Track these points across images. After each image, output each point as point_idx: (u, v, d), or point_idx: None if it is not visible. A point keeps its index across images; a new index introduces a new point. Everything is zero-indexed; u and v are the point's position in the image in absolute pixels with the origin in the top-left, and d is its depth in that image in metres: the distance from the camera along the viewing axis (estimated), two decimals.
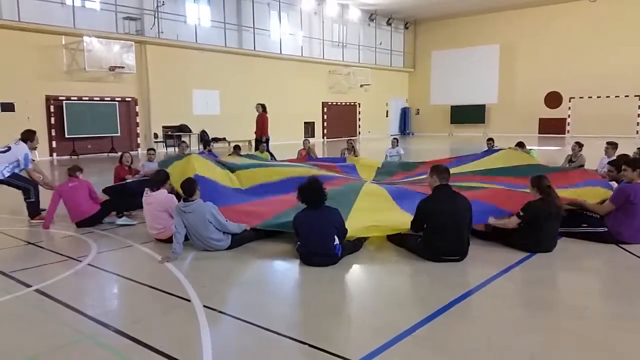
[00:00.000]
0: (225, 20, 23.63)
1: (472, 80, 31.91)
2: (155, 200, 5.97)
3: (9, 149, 7.39)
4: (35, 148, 7.74)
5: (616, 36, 26.83)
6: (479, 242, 5.56)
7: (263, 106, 14.14)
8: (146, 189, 6.25)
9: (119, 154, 9.80)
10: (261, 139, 13.65)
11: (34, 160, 7.72)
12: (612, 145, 9.09)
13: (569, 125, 28.85)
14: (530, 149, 10.82)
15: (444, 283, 4.54)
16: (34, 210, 7.32)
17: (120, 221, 7.05)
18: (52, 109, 18.37)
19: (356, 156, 11.83)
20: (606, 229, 5.63)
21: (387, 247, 5.65)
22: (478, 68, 31.66)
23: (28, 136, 7.61)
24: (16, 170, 7.40)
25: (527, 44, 29.89)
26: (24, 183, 7.39)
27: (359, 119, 31.74)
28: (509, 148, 10.19)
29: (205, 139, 21.57)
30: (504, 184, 7.52)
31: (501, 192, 6.81)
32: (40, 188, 7.61)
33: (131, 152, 10.44)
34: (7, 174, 7.28)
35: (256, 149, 13.32)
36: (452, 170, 6.14)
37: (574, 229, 5.82)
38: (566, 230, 5.76)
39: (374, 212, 6.26)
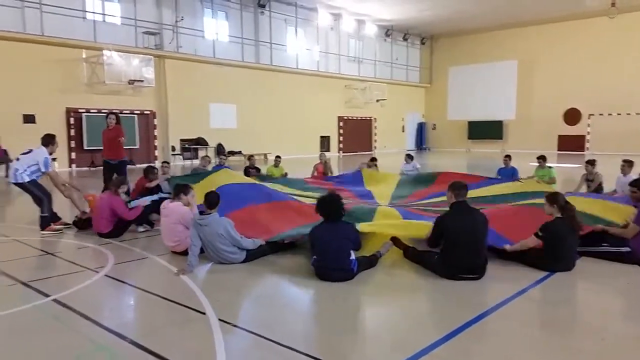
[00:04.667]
0: (243, 35, 23.93)
1: (490, 96, 31.80)
2: (172, 212, 6.01)
3: (30, 151, 7.52)
4: (53, 152, 7.73)
5: (636, 52, 26.61)
6: (497, 261, 5.48)
7: (118, 117, 10.12)
8: (164, 201, 6.36)
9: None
10: (124, 161, 9.91)
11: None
12: (628, 163, 8.94)
13: (588, 142, 28.55)
14: (550, 167, 10.66)
15: (461, 302, 4.48)
16: (45, 223, 7.39)
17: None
18: (71, 121, 18.70)
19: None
20: (629, 249, 5.52)
21: (404, 263, 5.59)
22: (496, 84, 31.56)
23: (47, 140, 7.65)
24: (35, 177, 7.44)
25: (546, 60, 29.74)
26: (41, 193, 7.41)
27: (375, 134, 31.76)
28: (527, 178, 10.09)
29: (221, 152, 21.73)
30: (518, 198, 7.45)
31: (511, 213, 6.60)
32: (55, 198, 7.71)
33: (146, 165, 10.55)
34: (27, 179, 7.33)
35: (117, 172, 9.43)
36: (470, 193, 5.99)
37: (594, 249, 5.71)
38: (586, 249, 5.65)
39: (389, 227, 6.27)
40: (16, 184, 7.39)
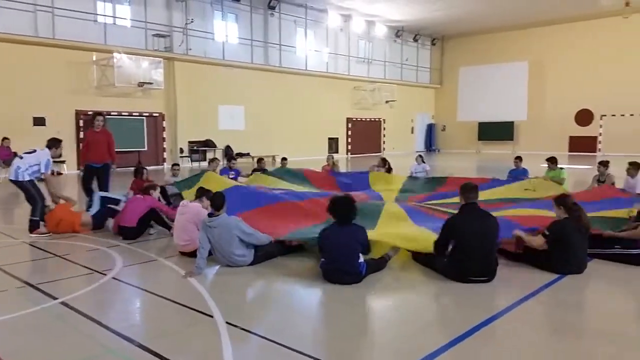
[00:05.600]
0: (253, 37, 23.97)
1: (501, 96, 31.56)
2: (189, 211, 6.11)
3: (34, 151, 7.62)
4: (59, 156, 7.85)
5: None
6: (508, 263, 5.43)
7: (105, 119, 9.84)
8: (182, 201, 6.63)
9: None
10: (108, 164, 9.23)
11: (61, 173, 7.88)
12: (634, 166, 8.86)
13: (600, 143, 28.26)
14: (561, 168, 10.55)
15: (471, 305, 4.43)
16: (35, 225, 7.44)
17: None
18: (81, 123, 18.78)
19: (388, 171, 11.85)
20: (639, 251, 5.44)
21: (413, 266, 5.55)
22: (506, 85, 31.33)
23: (53, 143, 7.81)
24: (35, 177, 7.52)
25: (557, 61, 29.49)
26: (37, 195, 7.46)
27: (384, 135, 31.66)
28: (537, 178, 10.02)
29: (229, 154, 21.77)
30: (530, 205, 7.39)
31: (527, 216, 6.64)
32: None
33: (155, 167, 10.53)
34: (27, 177, 7.40)
35: (101, 176, 9.17)
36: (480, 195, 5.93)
37: (606, 251, 5.64)
38: (597, 251, 5.58)
39: (399, 230, 6.18)
40: (15, 181, 7.43)
